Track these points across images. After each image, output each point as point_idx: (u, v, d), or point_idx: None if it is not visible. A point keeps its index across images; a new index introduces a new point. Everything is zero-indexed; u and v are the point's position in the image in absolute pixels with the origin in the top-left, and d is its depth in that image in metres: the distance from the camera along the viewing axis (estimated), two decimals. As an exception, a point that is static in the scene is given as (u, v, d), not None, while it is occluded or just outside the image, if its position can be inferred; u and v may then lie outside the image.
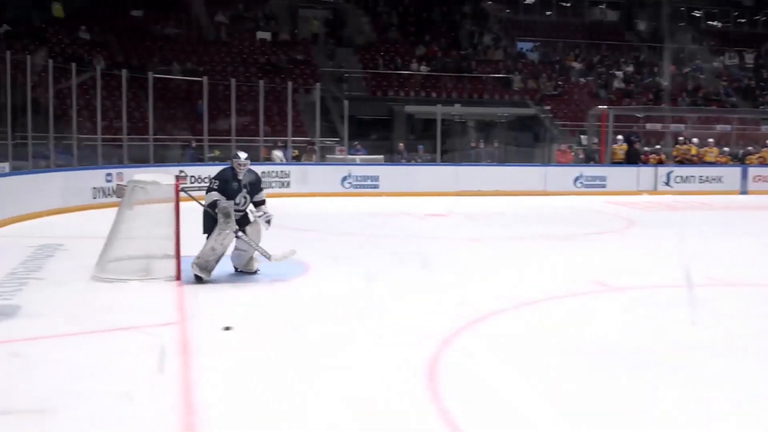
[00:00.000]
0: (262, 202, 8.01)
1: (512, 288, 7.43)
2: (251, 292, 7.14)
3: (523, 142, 23.88)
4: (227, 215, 7.42)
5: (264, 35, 26.95)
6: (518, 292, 7.19)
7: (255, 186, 7.91)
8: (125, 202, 7.92)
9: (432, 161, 20.13)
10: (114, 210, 8.41)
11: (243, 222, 7.83)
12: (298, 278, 7.92)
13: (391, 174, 18.86)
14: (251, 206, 7.98)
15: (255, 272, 7.96)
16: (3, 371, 4.75)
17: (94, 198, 14.40)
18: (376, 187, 18.60)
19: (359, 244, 10.56)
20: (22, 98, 13.36)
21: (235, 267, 7.99)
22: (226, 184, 7.65)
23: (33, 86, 13.76)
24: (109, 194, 14.50)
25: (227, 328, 5.69)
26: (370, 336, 5.68)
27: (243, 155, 7.78)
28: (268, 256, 7.57)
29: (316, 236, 11.44)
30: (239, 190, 7.74)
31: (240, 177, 7.73)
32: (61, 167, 14.35)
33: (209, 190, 7.61)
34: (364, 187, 18.56)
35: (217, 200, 7.48)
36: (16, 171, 12.87)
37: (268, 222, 7.91)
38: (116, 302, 6.64)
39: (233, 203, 7.56)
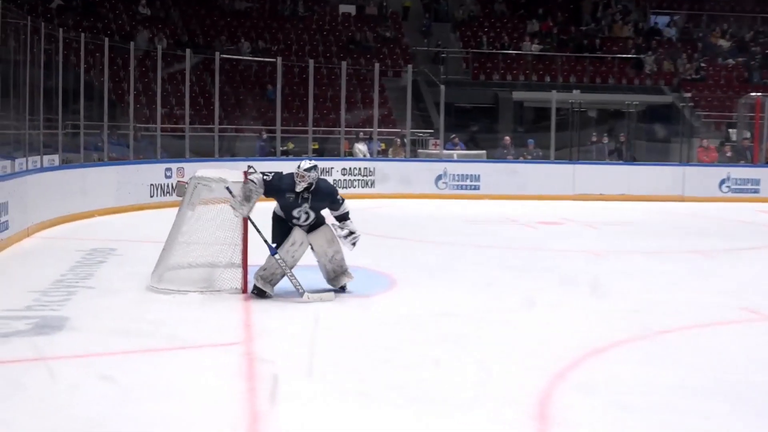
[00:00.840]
0: (344, 217, 7.85)
1: (639, 313, 7.27)
2: (328, 310, 7.22)
3: (657, 136, 23.34)
4: (247, 198, 7.44)
5: (347, 9, 27.29)
6: (646, 319, 7.04)
7: (321, 199, 7.70)
8: (186, 201, 8.04)
9: (544, 158, 19.90)
10: (173, 210, 8.60)
11: (311, 230, 7.74)
12: (383, 294, 7.96)
13: (495, 173, 18.75)
14: (333, 223, 7.87)
15: (342, 289, 7.87)
16: (48, 390, 4.93)
17: (152, 196, 14.93)
18: (476, 188, 18.52)
19: (455, 256, 10.55)
20: (74, 82, 13.97)
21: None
22: (280, 190, 7.57)
23: (86, 68, 14.35)
24: (168, 192, 15.00)
25: None
26: (467, 366, 5.64)
27: (306, 164, 7.59)
28: (301, 292, 7.43)
29: (404, 245, 11.51)
30: (296, 204, 7.59)
31: (297, 189, 7.55)
32: (115, 161, 14.95)
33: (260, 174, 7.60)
34: (462, 188, 18.52)
35: (252, 172, 7.53)
36: (66, 164, 13.44)
37: (354, 244, 7.83)
38: (174, 317, 6.81)
39: (259, 186, 7.50)
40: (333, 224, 7.85)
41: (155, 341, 6.09)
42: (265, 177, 7.58)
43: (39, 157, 12.42)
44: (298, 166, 7.59)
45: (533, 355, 5.91)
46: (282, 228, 7.68)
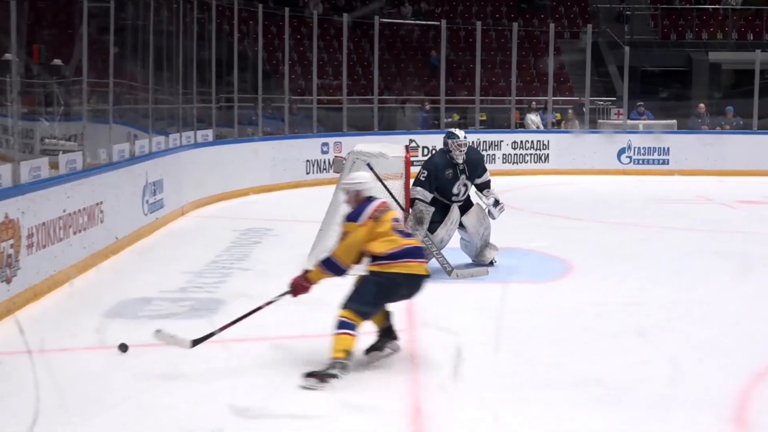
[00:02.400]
0: (487, 185, 8.33)
1: None
2: (497, 296, 7.24)
3: None
4: (419, 221, 7.71)
5: (518, -36, 27.01)
6: None
7: (475, 167, 8.21)
8: (344, 178, 8.08)
9: (745, 128, 19.06)
10: (330, 188, 8.79)
11: (463, 209, 8.21)
12: (558, 280, 7.93)
13: (687, 145, 18.18)
14: (476, 192, 8.32)
15: (491, 264, 8.28)
16: (205, 375, 5.20)
17: (308, 173, 15.37)
18: (665, 162, 18.04)
19: (641, 238, 10.40)
20: (228, 52, 14.49)
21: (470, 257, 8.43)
22: (438, 174, 7.98)
23: (240, 38, 14.85)
24: (324, 169, 15.36)
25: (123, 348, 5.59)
26: (656, 363, 5.55)
27: (461, 133, 8.09)
28: (449, 270, 7.76)
29: (581, 225, 11.41)
30: (456, 178, 8.08)
31: (458, 161, 8.03)
32: (269, 135, 15.45)
33: (415, 182, 7.97)
34: (648, 162, 18.07)
35: (416, 199, 7.86)
36: (219, 140, 14.01)
37: (501, 211, 8.31)
38: (332, 300, 6.96)
39: (431, 209, 7.81)
40: (477, 193, 8.30)
41: (312, 326, 6.25)
42: (422, 177, 7.95)
43: (193, 132, 13.02)
44: (454, 135, 8.06)
45: (730, 351, 5.76)
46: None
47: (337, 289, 5.40)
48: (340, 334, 5.09)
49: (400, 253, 5.25)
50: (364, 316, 5.23)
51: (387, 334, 5.60)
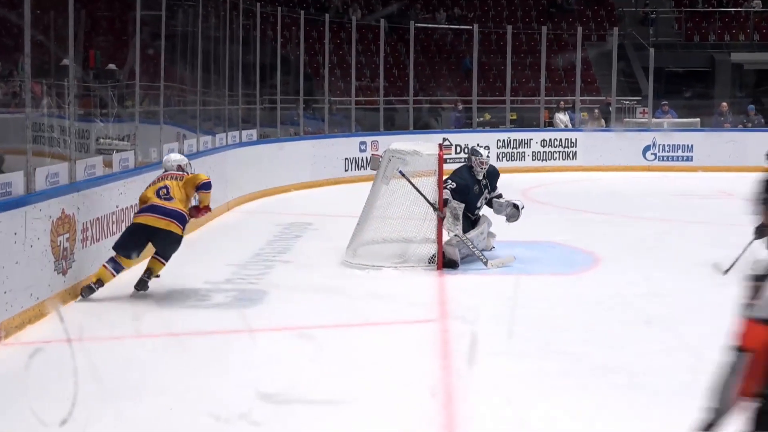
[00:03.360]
0: (499, 197, 8.46)
1: None
2: (527, 288, 7.16)
3: None
4: (456, 217, 7.80)
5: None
6: None
7: (494, 177, 8.42)
8: (380, 175, 8.24)
9: (767, 126, 18.78)
10: (368, 185, 8.83)
11: (474, 224, 8.26)
12: (584, 272, 7.89)
13: (711, 143, 17.92)
14: (494, 201, 8.45)
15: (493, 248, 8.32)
16: (248, 361, 5.21)
17: (346, 170, 15.36)
18: (689, 159, 17.80)
19: (665, 231, 10.29)
20: (271, 56, 14.54)
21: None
22: (467, 190, 8.08)
23: (282, 42, 14.90)
24: (362, 166, 15.38)
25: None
26: (677, 352, 5.47)
27: (485, 152, 8.29)
28: (485, 261, 7.82)
29: (607, 220, 11.30)
30: (480, 193, 8.25)
31: (479, 177, 8.21)
32: (310, 135, 15.48)
33: (446, 187, 7.94)
34: (673, 159, 17.84)
35: (447, 199, 7.84)
36: (263, 139, 14.06)
37: (522, 209, 8.35)
38: (368, 292, 7.00)
39: (462, 205, 7.90)
40: (498, 201, 8.40)
41: (351, 317, 6.25)
42: (451, 186, 7.97)
43: (238, 132, 13.05)
44: (477, 153, 8.25)
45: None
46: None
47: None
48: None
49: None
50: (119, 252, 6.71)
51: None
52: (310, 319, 6.16)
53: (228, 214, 11.42)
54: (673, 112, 19.32)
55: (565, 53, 21.56)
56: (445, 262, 7.76)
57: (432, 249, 7.85)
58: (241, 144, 12.99)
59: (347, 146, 15.50)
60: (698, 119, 19.28)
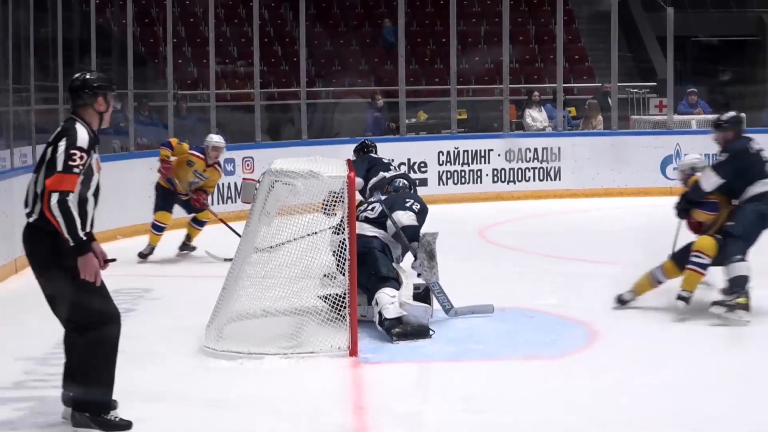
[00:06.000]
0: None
1: None
2: (490, 381, 5.89)
3: None
4: (431, 255, 6.97)
5: None
6: None
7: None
8: (257, 210, 6.80)
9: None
10: (239, 225, 8.15)
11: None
12: (574, 355, 6.40)
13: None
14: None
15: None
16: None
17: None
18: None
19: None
20: (81, 27, 12.09)
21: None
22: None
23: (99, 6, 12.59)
24: (229, 197, 12.19)
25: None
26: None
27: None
28: (447, 309, 7.14)
29: (608, 271, 8.68)
30: None
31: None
32: (146, 150, 12.11)
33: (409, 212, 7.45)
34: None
35: (421, 229, 7.29)
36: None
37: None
38: (242, 399, 5.68)
39: (437, 233, 7.28)
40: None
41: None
42: (415, 207, 7.33)
43: (30, 147, 10.39)
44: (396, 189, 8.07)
45: None
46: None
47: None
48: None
49: None
50: None
51: None
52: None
53: (17, 278, 8.79)
54: (705, 105, 15.88)
55: (539, 17, 18.15)
56: (408, 332, 6.57)
57: (343, 327, 6.36)
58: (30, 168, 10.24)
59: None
60: (743, 114, 16.22)
